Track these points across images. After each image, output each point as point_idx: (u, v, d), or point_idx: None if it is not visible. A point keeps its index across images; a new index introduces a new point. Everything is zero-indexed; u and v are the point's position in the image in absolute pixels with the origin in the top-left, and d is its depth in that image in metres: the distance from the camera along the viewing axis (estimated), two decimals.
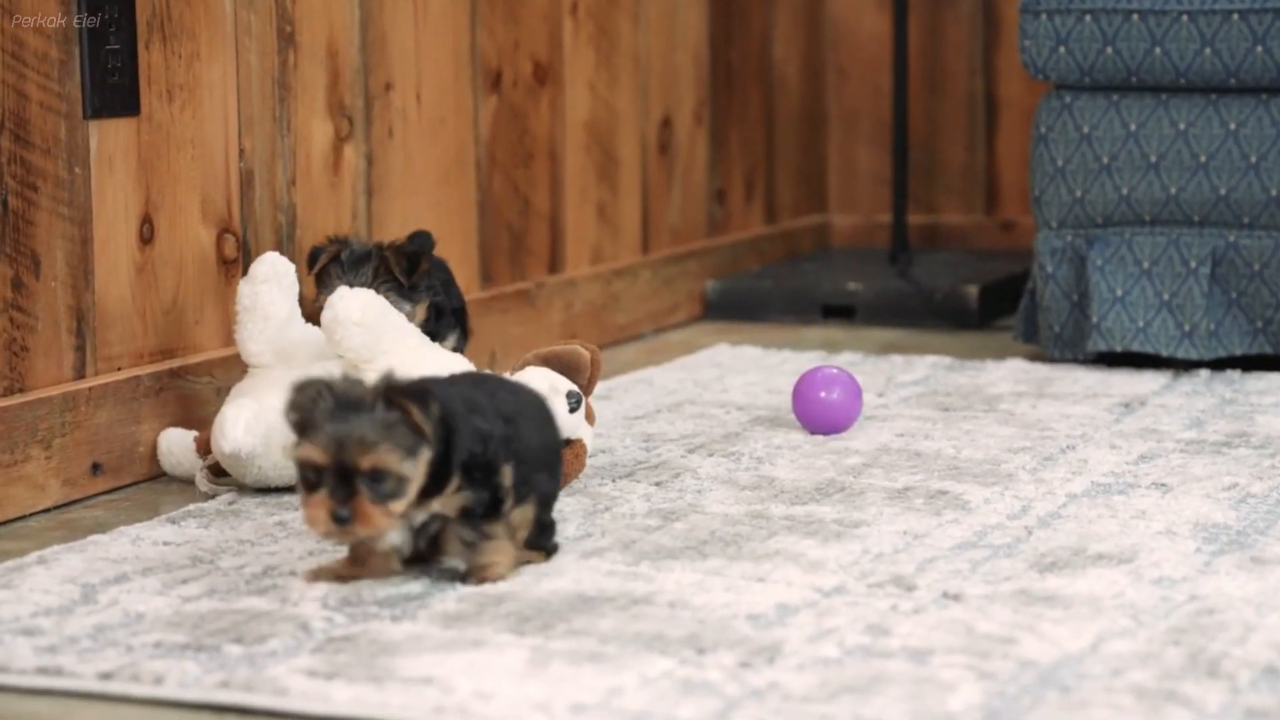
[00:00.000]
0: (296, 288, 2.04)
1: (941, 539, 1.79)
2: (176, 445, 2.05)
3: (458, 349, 2.19)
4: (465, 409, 1.62)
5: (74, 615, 1.59)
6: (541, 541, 1.73)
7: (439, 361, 1.97)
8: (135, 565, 1.73)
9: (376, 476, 1.56)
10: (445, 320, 2.25)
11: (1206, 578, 1.66)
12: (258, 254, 2.24)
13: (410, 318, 2.11)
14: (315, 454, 1.57)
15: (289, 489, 1.98)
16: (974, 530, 1.82)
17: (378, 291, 2.06)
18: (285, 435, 1.92)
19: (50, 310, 1.97)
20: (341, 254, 2.14)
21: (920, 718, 1.35)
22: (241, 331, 2.01)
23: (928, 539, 1.79)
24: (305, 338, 2.02)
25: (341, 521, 1.56)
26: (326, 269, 2.14)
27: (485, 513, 1.64)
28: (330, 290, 2.05)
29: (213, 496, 1.97)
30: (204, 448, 2.02)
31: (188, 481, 2.04)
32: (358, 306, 1.93)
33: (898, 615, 1.57)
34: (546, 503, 1.72)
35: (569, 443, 1.96)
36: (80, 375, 2.01)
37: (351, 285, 2.07)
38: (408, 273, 2.15)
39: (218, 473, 1.99)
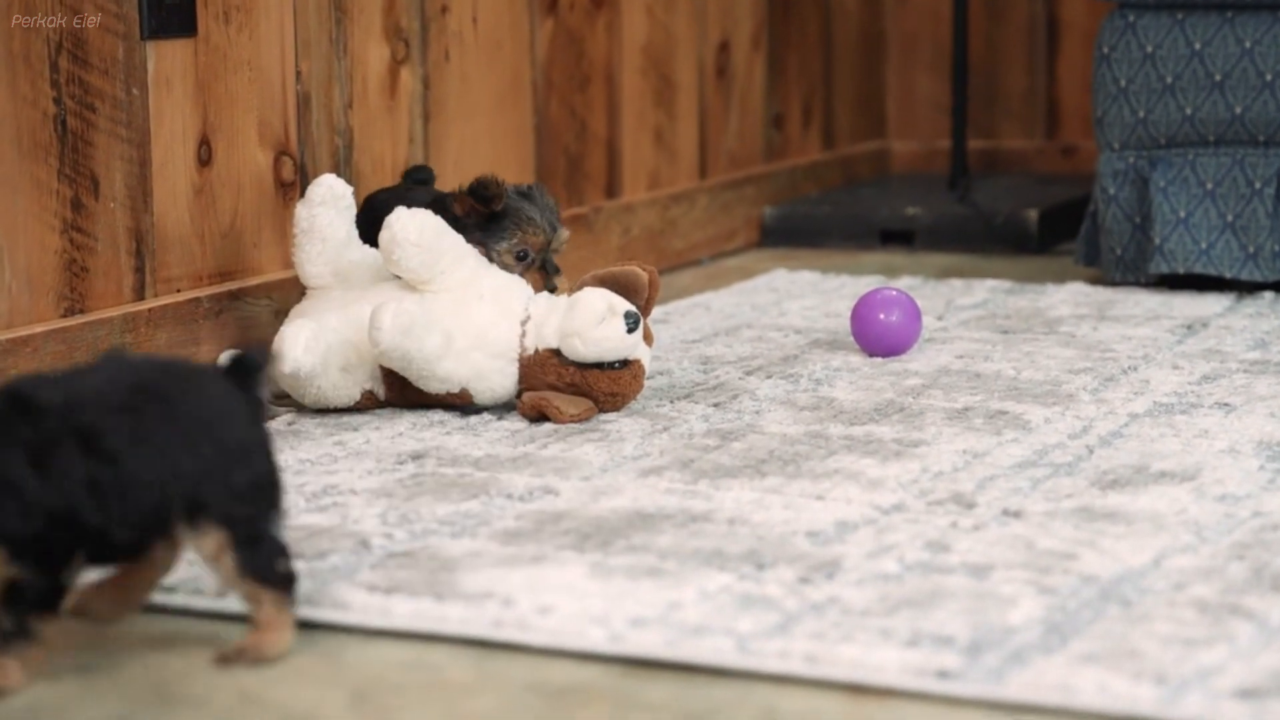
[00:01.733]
0: (354, 209, 2.04)
1: (1001, 458, 1.78)
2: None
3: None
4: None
5: None
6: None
7: (496, 283, 1.98)
8: None
9: None
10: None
11: (1270, 494, 1.64)
12: (315, 177, 2.24)
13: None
14: None
15: (349, 410, 1.99)
16: (1034, 449, 1.81)
17: (563, 237, 2.09)
18: (343, 355, 1.93)
19: (109, 231, 1.98)
20: (510, 188, 2.10)
21: (980, 630, 1.34)
22: (299, 253, 2.02)
23: (987, 458, 1.78)
24: (363, 259, 2.03)
25: None
26: (511, 208, 2.08)
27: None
28: (522, 230, 2.07)
29: (273, 418, 1.98)
30: None
31: None
32: (415, 227, 1.93)
33: (957, 532, 1.56)
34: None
35: (627, 363, 1.96)
36: (140, 297, 2.02)
37: (553, 231, 2.09)
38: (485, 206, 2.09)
39: (278, 395, 2.00)
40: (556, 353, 1.94)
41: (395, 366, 1.93)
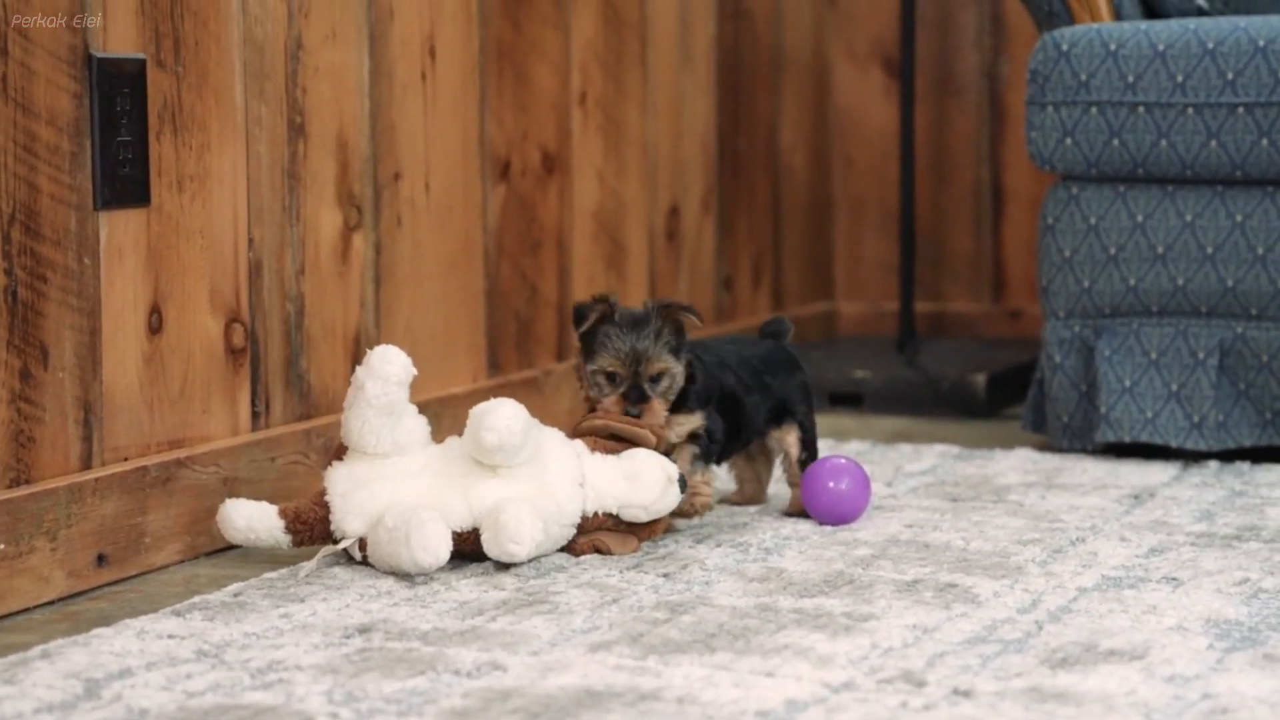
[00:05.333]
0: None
1: (951, 633, 1.78)
2: (258, 518, 2.04)
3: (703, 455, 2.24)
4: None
5: (77, 712, 1.58)
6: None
7: (555, 448, 2.07)
8: (139, 659, 1.72)
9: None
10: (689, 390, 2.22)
11: (1219, 675, 1.64)
12: (266, 343, 2.24)
13: (676, 379, 2.16)
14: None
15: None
16: (984, 624, 1.81)
17: (655, 351, 2.14)
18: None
19: (58, 401, 1.97)
20: (614, 313, 2.15)
21: None
22: (365, 426, 2.05)
23: (937, 633, 1.78)
24: (417, 426, 2.09)
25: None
26: (598, 329, 2.15)
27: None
28: (605, 353, 2.13)
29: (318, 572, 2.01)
30: (292, 521, 2.04)
31: (247, 550, 2.04)
32: (518, 426, 2.00)
33: (908, 712, 1.56)
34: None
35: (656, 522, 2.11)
36: (87, 466, 2.01)
37: (632, 345, 2.13)
38: (681, 332, 2.18)
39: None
40: (613, 514, 2.07)
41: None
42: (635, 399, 2.13)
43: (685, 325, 2.17)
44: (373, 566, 2.04)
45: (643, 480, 2.06)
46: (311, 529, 2.06)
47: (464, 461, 2.06)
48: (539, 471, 2.05)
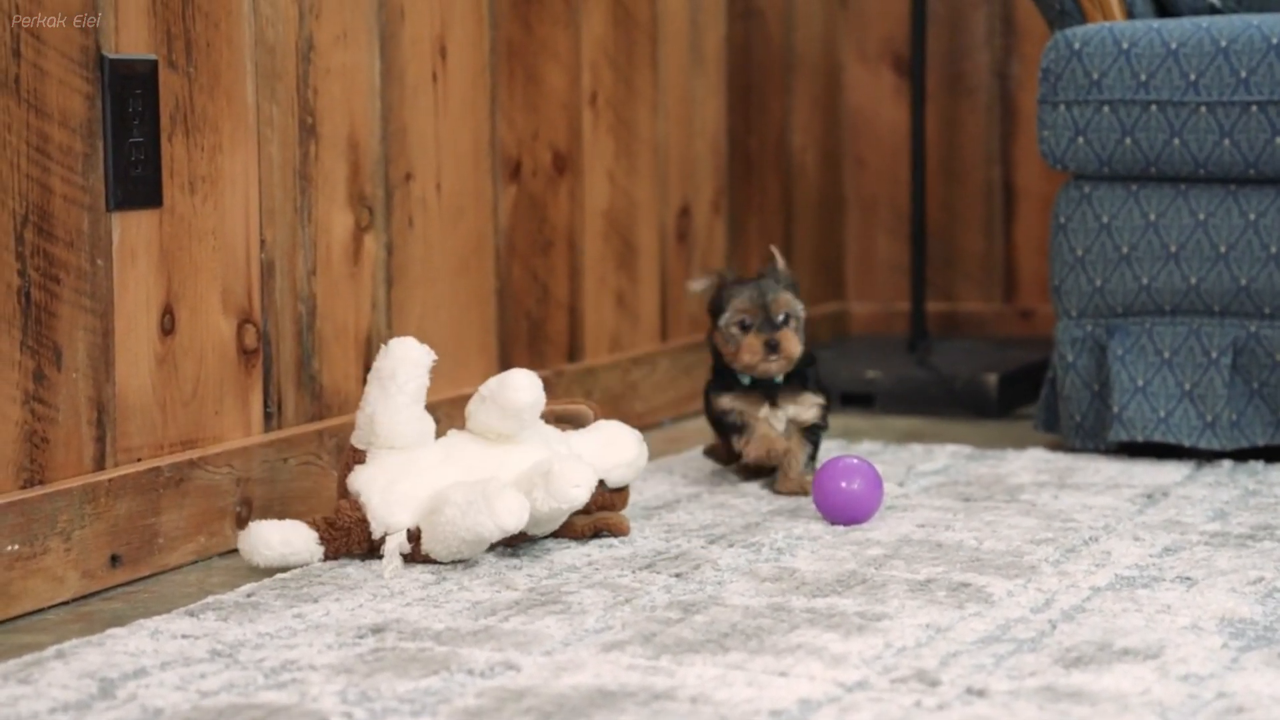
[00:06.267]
0: None
1: (965, 632, 1.77)
2: (294, 535, 2.03)
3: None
4: None
5: (92, 711, 1.58)
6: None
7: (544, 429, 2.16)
8: (153, 659, 1.72)
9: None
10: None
11: (1234, 674, 1.64)
12: (279, 344, 2.24)
13: (800, 319, 2.36)
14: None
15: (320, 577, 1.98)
16: (997, 624, 1.80)
17: (777, 293, 2.34)
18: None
19: (71, 402, 1.98)
20: (727, 279, 2.38)
21: None
22: (400, 416, 2.08)
23: (951, 632, 1.78)
24: (430, 418, 2.13)
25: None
26: (720, 294, 2.37)
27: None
28: (733, 306, 2.34)
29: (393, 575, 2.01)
30: (325, 531, 2.04)
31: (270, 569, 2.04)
32: (537, 388, 2.10)
33: (921, 711, 1.56)
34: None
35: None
36: (100, 467, 2.01)
37: (756, 288, 2.35)
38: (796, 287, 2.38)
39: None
40: (601, 481, 2.16)
41: (547, 526, 2.12)
42: (769, 329, 2.32)
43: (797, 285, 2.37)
44: (425, 560, 2.04)
45: (618, 442, 2.18)
46: (348, 534, 2.05)
47: (476, 446, 2.12)
48: (542, 445, 2.12)
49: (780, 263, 2.40)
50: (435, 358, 2.12)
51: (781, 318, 2.35)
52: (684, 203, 3.07)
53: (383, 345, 2.13)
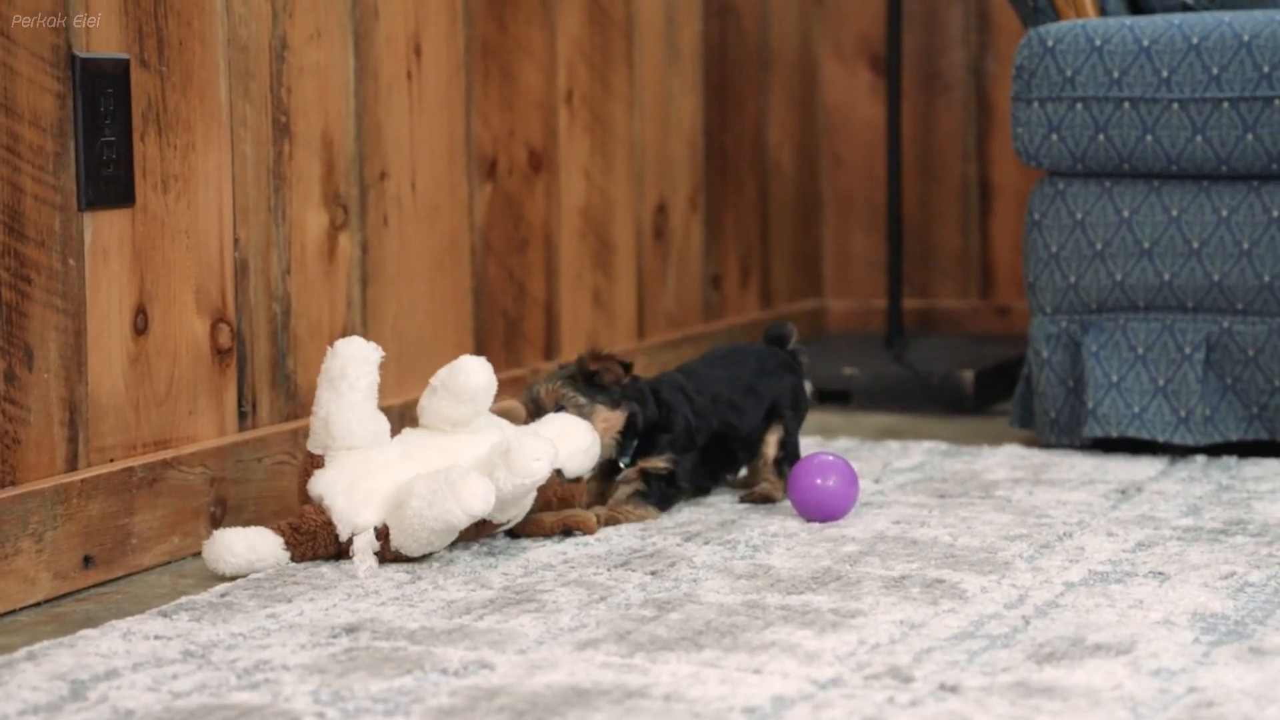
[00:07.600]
0: None
1: (938, 629, 1.78)
2: (259, 541, 2.02)
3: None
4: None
5: (62, 713, 1.58)
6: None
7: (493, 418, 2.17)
8: (125, 660, 1.72)
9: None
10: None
11: (1205, 669, 1.65)
12: (253, 343, 2.24)
13: (584, 404, 2.26)
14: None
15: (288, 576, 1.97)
16: (971, 620, 1.81)
17: (551, 385, 2.28)
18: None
19: (43, 402, 1.97)
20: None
21: None
22: (354, 412, 2.08)
23: (924, 629, 1.78)
24: (380, 416, 2.13)
25: None
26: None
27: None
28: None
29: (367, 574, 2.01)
30: (291, 535, 2.03)
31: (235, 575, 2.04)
32: (489, 374, 2.11)
33: (894, 708, 1.56)
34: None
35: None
36: (72, 467, 2.01)
37: (529, 391, 2.29)
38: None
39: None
40: (558, 472, 2.16)
41: (511, 510, 2.11)
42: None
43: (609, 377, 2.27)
44: (396, 558, 2.03)
45: (569, 432, 2.19)
46: (314, 538, 2.05)
47: (432, 439, 2.12)
48: (496, 430, 2.14)
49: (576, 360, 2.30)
50: (384, 354, 2.11)
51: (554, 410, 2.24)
52: (660, 200, 3.07)
53: (329, 347, 2.11)
